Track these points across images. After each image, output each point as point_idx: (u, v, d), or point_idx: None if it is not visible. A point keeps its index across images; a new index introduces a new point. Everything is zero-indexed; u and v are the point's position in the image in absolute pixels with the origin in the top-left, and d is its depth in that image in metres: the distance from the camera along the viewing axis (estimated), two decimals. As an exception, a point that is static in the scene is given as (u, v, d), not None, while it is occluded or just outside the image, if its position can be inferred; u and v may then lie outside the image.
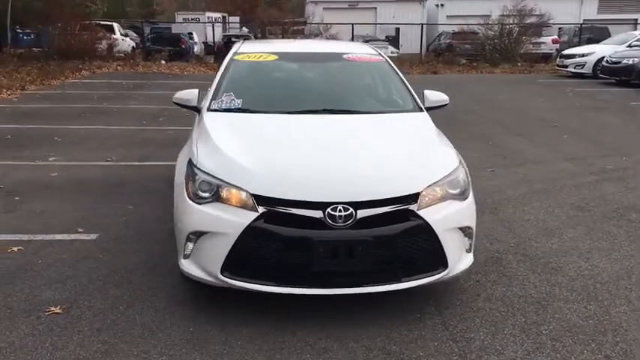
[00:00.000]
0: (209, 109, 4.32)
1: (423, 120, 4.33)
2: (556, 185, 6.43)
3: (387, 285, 3.31)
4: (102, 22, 26.91)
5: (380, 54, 5.10)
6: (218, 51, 25.79)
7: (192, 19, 36.60)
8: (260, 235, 3.21)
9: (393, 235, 3.26)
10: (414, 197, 3.33)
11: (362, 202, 3.24)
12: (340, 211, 3.20)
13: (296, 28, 26.87)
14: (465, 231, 3.55)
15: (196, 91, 4.57)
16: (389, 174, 3.45)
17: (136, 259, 4.30)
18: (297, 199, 3.22)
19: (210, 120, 4.13)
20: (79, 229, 4.89)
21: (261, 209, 3.22)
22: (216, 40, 28.56)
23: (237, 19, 43.95)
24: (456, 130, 9.92)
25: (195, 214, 3.34)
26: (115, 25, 27.21)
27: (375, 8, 39.25)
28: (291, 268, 3.24)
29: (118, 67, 20.91)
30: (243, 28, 39.09)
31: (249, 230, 3.20)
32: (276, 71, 4.89)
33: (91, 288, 3.84)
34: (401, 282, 3.34)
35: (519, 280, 4.05)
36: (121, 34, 27.32)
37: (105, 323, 3.39)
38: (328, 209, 3.20)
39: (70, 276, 4.02)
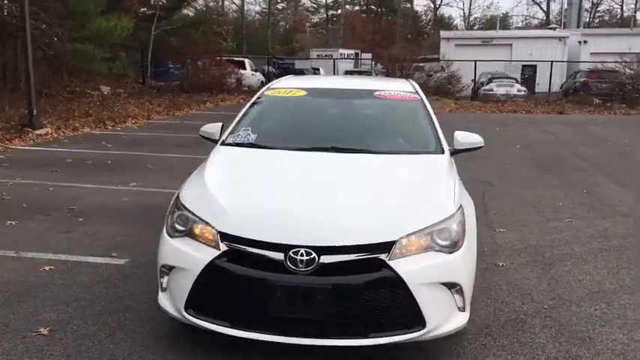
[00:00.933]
0: (222, 143, 4.33)
1: (438, 163, 4.02)
2: (636, 244, 5.68)
3: (351, 339, 3.06)
4: (234, 58, 28.57)
5: (417, 92, 4.84)
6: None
7: (325, 55, 37.82)
8: (220, 274, 3.11)
9: (357, 286, 3.02)
10: (385, 246, 3.07)
11: (325, 247, 3.04)
12: (302, 255, 3.02)
13: (418, 65, 26.60)
14: (452, 287, 3.20)
15: (220, 124, 4.61)
16: (362, 220, 3.21)
17: (146, 286, 4.36)
18: (259, 239, 3.09)
19: (216, 154, 4.14)
20: (114, 254, 5.08)
21: (223, 247, 3.13)
22: (339, 76, 29.07)
23: (369, 55, 44.77)
24: (554, 174, 9.25)
25: (167, 247, 3.33)
26: (247, 61, 28.72)
27: (511, 45, 37.95)
28: (248, 310, 3.10)
29: (241, 100, 21.93)
30: (377, 65, 39.66)
31: (210, 267, 3.12)
32: (298, 107, 4.82)
33: (88, 312, 3.94)
34: (368, 337, 3.06)
35: (532, 349, 3.57)
36: (252, 70, 28.73)
37: (77, 350, 3.44)
38: (290, 252, 3.03)
39: (78, 299, 4.15)
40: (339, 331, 3.06)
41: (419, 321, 3.10)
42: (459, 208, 3.43)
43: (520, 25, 64.16)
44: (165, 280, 3.37)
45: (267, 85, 5.06)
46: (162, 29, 21.77)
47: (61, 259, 4.93)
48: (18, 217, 6.13)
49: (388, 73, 26.85)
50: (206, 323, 3.17)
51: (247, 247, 3.10)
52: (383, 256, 3.05)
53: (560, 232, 6.02)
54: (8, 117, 13.18)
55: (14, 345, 3.48)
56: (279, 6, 64.01)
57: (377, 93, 4.78)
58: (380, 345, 3.08)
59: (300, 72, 26.01)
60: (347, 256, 3.04)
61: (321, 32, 66.62)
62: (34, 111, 12.51)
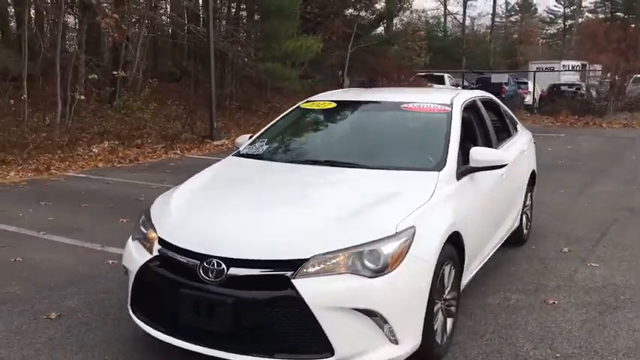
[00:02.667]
0: (234, 154, 4.48)
1: (423, 180, 3.68)
2: None
3: (255, 357, 2.98)
4: (434, 73, 28.32)
5: (450, 105, 4.44)
6: (541, 100, 24.48)
7: (545, 68, 35.53)
8: (151, 277, 3.27)
9: (258, 302, 2.96)
10: (291, 263, 2.95)
11: (235, 259, 3.03)
12: (213, 265, 3.04)
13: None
14: (371, 315, 2.93)
15: (248, 136, 4.75)
16: (278, 235, 3.13)
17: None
18: (181, 246, 3.21)
19: (218, 164, 4.30)
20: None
21: (156, 251, 3.28)
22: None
23: (598, 66, 40.87)
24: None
25: (125, 249, 3.58)
26: (446, 76, 28.25)
27: None
28: (166, 315, 3.20)
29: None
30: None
31: (144, 269, 3.31)
32: (319, 120, 4.77)
33: (107, 305, 4.32)
34: (273, 358, 2.96)
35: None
36: (452, 85, 28.18)
37: (63, 335, 3.82)
38: (204, 262, 3.08)
39: (113, 292, 4.57)
40: (244, 347, 3.00)
41: (326, 347, 2.91)
42: (406, 230, 3.12)
43: None
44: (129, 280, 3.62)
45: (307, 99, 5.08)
46: (358, 47, 22.53)
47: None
48: (133, 216, 6.93)
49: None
50: (142, 324, 3.34)
51: (171, 253, 3.21)
52: (288, 274, 2.93)
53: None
54: (198, 130, 14.81)
55: (21, 324, 4.00)
56: (513, 19, 62.06)
57: (404, 105, 4.51)
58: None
59: (497, 86, 24.86)
60: (253, 270, 2.99)
61: (556, 43, 63.02)
62: (215, 124, 13.93)
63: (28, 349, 3.63)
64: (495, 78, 23.66)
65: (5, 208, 7.33)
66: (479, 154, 3.99)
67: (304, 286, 2.90)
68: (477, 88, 26.17)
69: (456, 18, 55.70)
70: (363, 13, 23.23)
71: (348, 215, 3.24)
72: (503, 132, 5.53)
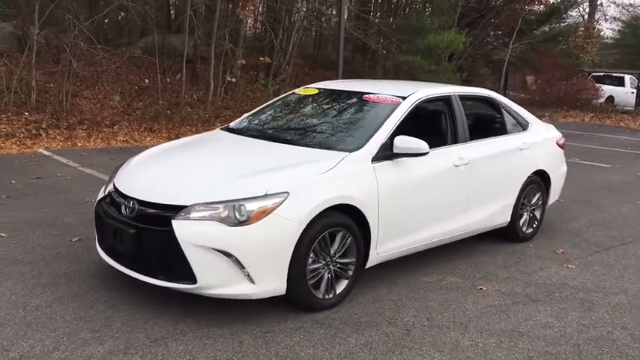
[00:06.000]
0: (222, 128, 5.37)
1: (326, 158, 4.25)
2: None
3: (147, 277, 3.89)
4: (612, 74, 26.28)
5: (406, 98, 4.85)
6: None
7: None
8: (99, 210, 4.32)
9: (147, 234, 3.85)
10: (175, 208, 3.80)
11: (142, 201, 3.96)
12: (130, 204, 4.00)
13: None
14: (228, 256, 3.67)
15: (244, 116, 5.60)
16: (177, 186, 4.02)
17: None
18: (119, 188, 4.21)
19: (202, 134, 5.24)
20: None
21: (107, 192, 4.34)
22: None
23: None
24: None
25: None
26: (627, 77, 26.05)
27: None
28: (102, 239, 4.25)
29: (585, 119, 20.45)
30: None
31: (98, 205, 4.38)
32: (298, 104, 5.48)
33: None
34: (158, 279, 3.85)
35: None
36: (633, 87, 25.91)
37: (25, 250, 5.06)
38: (126, 201, 4.05)
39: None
40: (140, 268, 3.93)
41: (190, 276, 3.73)
42: (278, 194, 3.79)
43: None
44: None
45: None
46: (520, 43, 21.83)
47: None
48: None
49: None
50: (99, 249, 4.38)
51: (114, 194, 4.24)
52: (171, 215, 3.78)
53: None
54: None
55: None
56: None
57: (365, 96, 5.04)
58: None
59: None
60: (151, 210, 3.89)
61: None
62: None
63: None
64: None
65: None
66: (401, 142, 4.42)
67: (179, 225, 3.73)
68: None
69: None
70: (531, 8, 22.36)
71: (238, 177, 4.01)
72: (494, 129, 5.72)
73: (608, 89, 25.04)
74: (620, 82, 25.93)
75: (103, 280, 4.42)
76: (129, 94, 14.23)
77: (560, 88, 22.03)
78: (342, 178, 4.14)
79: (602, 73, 26.57)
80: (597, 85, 24.03)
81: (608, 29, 40.64)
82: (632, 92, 25.78)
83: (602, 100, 24.32)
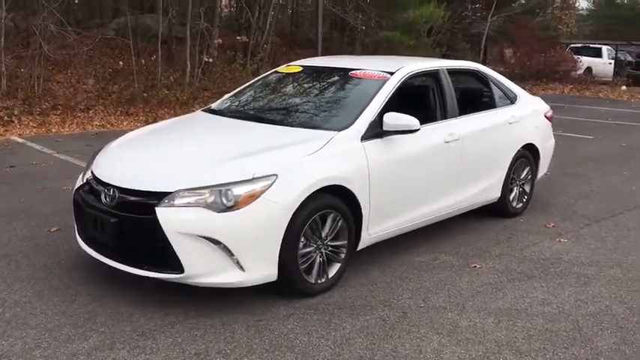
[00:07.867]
0: (203, 110, 5.17)
1: (314, 138, 4.08)
2: None
3: (131, 268, 3.71)
4: (590, 45, 26.34)
5: (393, 73, 4.69)
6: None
7: None
8: (77, 199, 4.11)
9: (130, 223, 3.66)
10: (158, 195, 3.61)
11: (122, 188, 3.76)
12: (110, 191, 3.80)
13: None
14: (216, 243, 3.50)
15: (226, 96, 5.39)
16: (159, 171, 3.83)
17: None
18: (97, 176, 4.01)
19: (183, 116, 5.03)
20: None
21: (85, 179, 4.13)
22: None
23: None
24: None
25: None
26: (604, 48, 26.12)
27: None
28: (82, 229, 4.04)
29: (565, 90, 20.48)
30: None
31: (76, 193, 4.17)
32: (281, 82, 5.29)
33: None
34: (143, 269, 3.67)
35: None
36: (610, 58, 26.01)
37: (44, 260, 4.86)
38: (106, 189, 3.85)
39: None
40: (123, 258, 3.75)
41: (177, 265, 3.55)
42: (265, 177, 3.62)
43: None
44: None
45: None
46: (499, 16, 21.73)
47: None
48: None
49: None
50: (79, 239, 4.18)
51: (93, 181, 4.03)
52: (154, 203, 3.59)
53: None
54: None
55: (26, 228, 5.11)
56: None
57: (351, 72, 4.86)
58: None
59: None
60: (132, 197, 3.70)
61: None
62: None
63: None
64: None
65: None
66: (390, 119, 4.27)
67: (163, 213, 3.54)
68: (636, 62, 24.10)
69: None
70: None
71: (223, 160, 3.82)
72: (482, 103, 5.60)
73: (586, 60, 25.08)
74: (597, 54, 26.00)
75: (85, 272, 4.23)
76: (103, 78, 13.84)
77: (539, 60, 22.00)
78: (331, 159, 3.99)
79: (579, 45, 26.58)
80: (576, 56, 24.04)
81: (583, 0, 40.77)
82: (610, 63, 25.90)
83: (580, 71, 24.37)
